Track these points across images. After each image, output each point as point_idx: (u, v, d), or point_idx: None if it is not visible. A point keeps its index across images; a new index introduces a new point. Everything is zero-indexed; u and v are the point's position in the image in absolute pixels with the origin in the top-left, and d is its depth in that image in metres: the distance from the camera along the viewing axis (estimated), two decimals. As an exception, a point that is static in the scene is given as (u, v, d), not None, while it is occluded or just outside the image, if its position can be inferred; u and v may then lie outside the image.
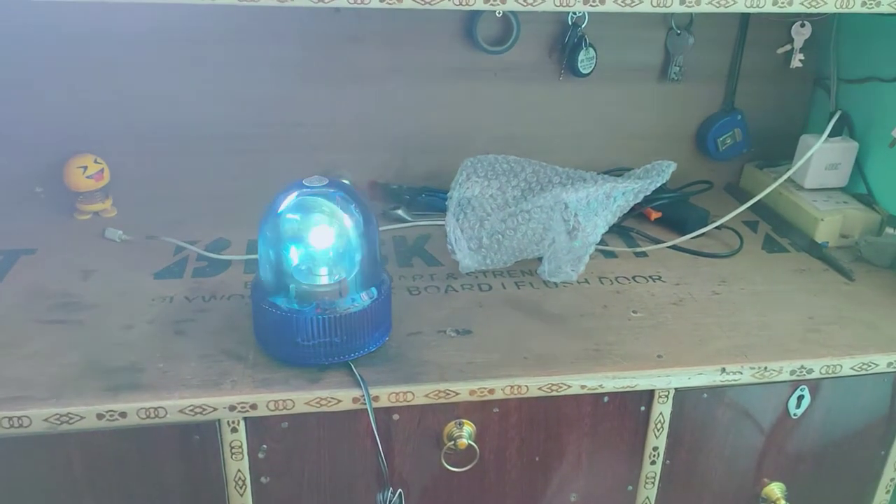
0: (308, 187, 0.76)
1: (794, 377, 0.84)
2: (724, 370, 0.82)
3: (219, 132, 1.13)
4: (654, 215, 1.14)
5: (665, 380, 0.82)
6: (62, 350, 0.80)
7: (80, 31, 1.05)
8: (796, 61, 1.20)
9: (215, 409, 0.74)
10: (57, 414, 0.72)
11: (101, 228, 1.05)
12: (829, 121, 1.12)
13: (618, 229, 1.09)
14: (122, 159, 1.11)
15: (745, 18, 1.18)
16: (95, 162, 1.07)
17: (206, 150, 1.14)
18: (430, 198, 1.16)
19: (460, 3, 0.80)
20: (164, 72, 1.09)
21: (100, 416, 0.72)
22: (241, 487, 0.79)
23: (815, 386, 0.87)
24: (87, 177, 1.06)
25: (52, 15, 1.03)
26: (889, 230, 1.05)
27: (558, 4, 0.83)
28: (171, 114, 1.11)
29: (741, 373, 0.82)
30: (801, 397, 0.87)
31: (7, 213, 1.08)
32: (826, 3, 0.88)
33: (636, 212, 1.11)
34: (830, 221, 1.08)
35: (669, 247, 1.07)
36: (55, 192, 1.10)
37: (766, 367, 0.83)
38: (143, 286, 0.93)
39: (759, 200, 1.12)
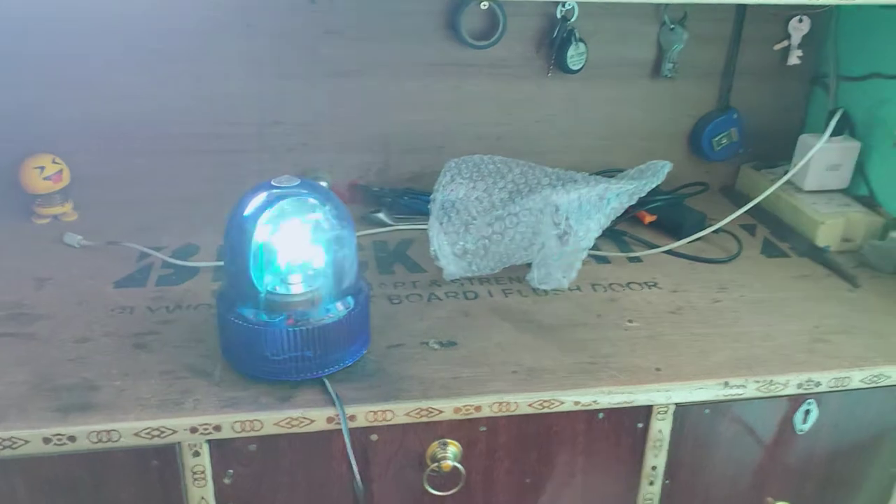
0: (277, 188, 0.70)
1: (800, 390, 0.79)
2: (727, 384, 0.76)
3: (188, 131, 1.07)
4: (648, 219, 1.08)
5: (664, 394, 0.76)
6: (9, 366, 0.73)
7: (36, 19, 0.98)
8: (794, 58, 1.16)
9: (174, 432, 0.67)
10: (-1, 438, 0.65)
11: (60, 233, 0.98)
12: (829, 119, 1.08)
13: (610, 233, 1.04)
14: (84, 159, 1.04)
15: (740, 13, 1.13)
16: (54, 162, 1.00)
17: (175, 149, 1.07)
18: (413, 200, 1.10)
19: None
20: (129, 65, 1.02)
21: (46, 441, 0.65)
22: (205, 516, 0.73)
23: (822, 400, 0.81)
24: (45, 178, 0.99)
25: (4, 5, 0.96)
26: (893, 234, 1.00)
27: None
28: (137, 111, 1.05)
29: (745, 386, 0.77)
30: (807, 412, 0.82)
31: (-42, 216, 1.01)
32: (830, -7, 0.84)
33: (629, 215, 1.06)
34: (832, 225, 1.03)
35: (665, 251, 1.01)
36: (12, 194, 1.03)
37: (771, 381, 0.77)
38: (102, 295, 0.86)
39: (757, 203, 1.07)
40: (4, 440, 0.65)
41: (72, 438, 0.66)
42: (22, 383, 0.71)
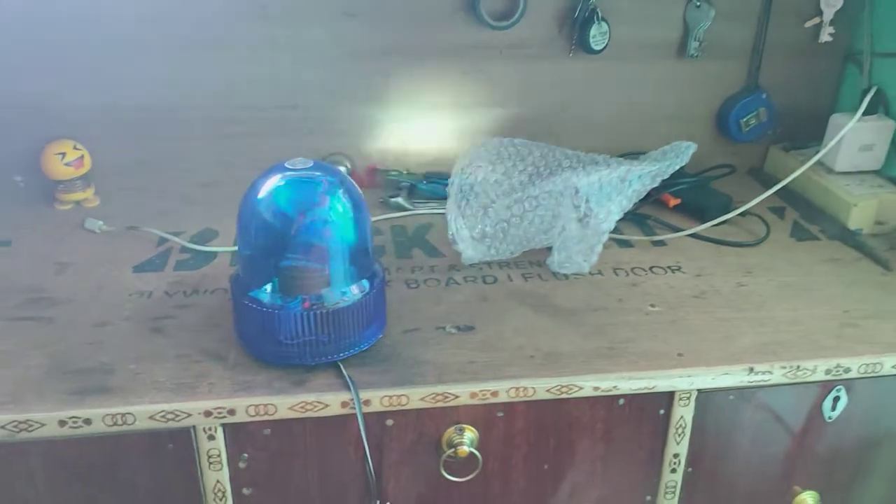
0: (291, 170, 0.69)
1: (829, 377, 0.76)
2: (752, 370, 0.74)
3: (207, 116, 1.07)
4: (673, 202, 1.06)
5: (687, 380, 0.74)
6: (27, 350, 0.73)
7: (57, 9, 0.98)
8: (826, 35, 1.12)
9: (189, 415, 0.67)
10: (15, 421, 0.65)
11: (82, 219, 0.99)
12: (863, 98, 1.04)
13: (634, 217, 1.02)
14: (105, 145, 1.05)
15: (770, -11, 1.10)
16: (75, 148, 1.01)
17: (194, 135, 1.07)
18: (432, 185, 1.08)
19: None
20: (147, 51, 1.02)
21: (62, 423, 0.66)
22: (221, 499, 0.72)
23: (852, 386, 0.79)
24: (66, 164, 1.00)
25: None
26: (929, 216, 0.97)
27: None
28: (156, 96, 1.05)
29: (771, 372, 0.75)
30: (836, 399, 0.79)
31: (-17, 203, 1.02)
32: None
33: (653, 198, 1.04)
34: (865, 207, 0.99)
35: (689, 235, 0.99)
36: (36, 181, 1.04)
37: (798, 367, 0.75)
38: (121, 280, 0.86)
39: (787, 185, 1.04)
40: (21, 423, 0.65)
41: (87, 421, 0.66)
42: (39, 366, 0.71)
